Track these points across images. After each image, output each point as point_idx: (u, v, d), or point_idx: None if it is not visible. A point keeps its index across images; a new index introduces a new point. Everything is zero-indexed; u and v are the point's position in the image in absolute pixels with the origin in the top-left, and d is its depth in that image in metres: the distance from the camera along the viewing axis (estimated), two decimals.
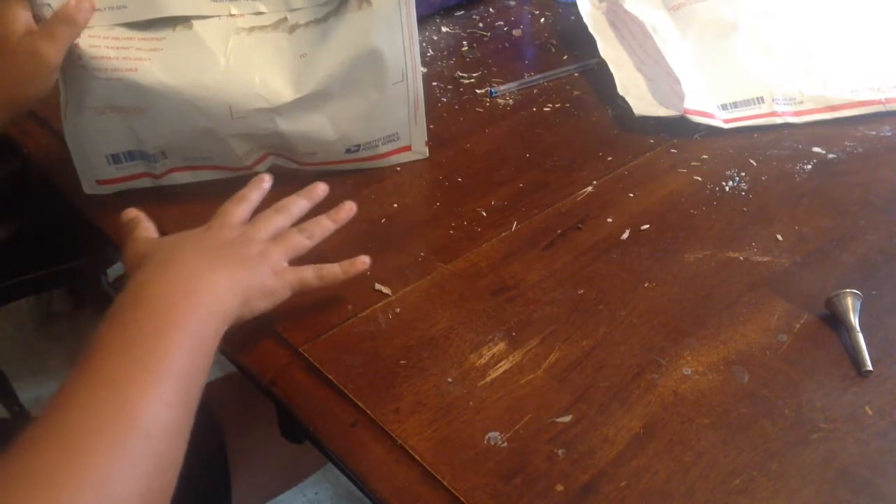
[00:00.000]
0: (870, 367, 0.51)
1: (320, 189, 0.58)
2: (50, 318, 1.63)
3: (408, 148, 0.70)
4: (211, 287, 0.47)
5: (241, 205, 0.55)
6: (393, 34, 0.62)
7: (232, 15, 0.60)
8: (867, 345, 0.52)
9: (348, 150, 0.66)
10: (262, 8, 0.61)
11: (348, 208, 0.57)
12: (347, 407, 0.49)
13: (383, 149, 0.69)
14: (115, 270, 1.44)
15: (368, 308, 0.55)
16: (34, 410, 1.33)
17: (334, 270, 0.54)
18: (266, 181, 0.58)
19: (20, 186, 1.00)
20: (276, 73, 0.60)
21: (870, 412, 0.49)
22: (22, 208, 1.02)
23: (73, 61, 0.56)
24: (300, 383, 0.51)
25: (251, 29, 0.60)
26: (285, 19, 0.61)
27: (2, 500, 0.35)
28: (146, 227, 0.55)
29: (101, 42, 0.57)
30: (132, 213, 0.56)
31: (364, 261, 0.54)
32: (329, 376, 0.50)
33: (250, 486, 0.71)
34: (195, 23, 0.59)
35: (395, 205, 0.66)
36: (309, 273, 0.53)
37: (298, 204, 0.56)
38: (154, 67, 0.57)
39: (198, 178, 0.66)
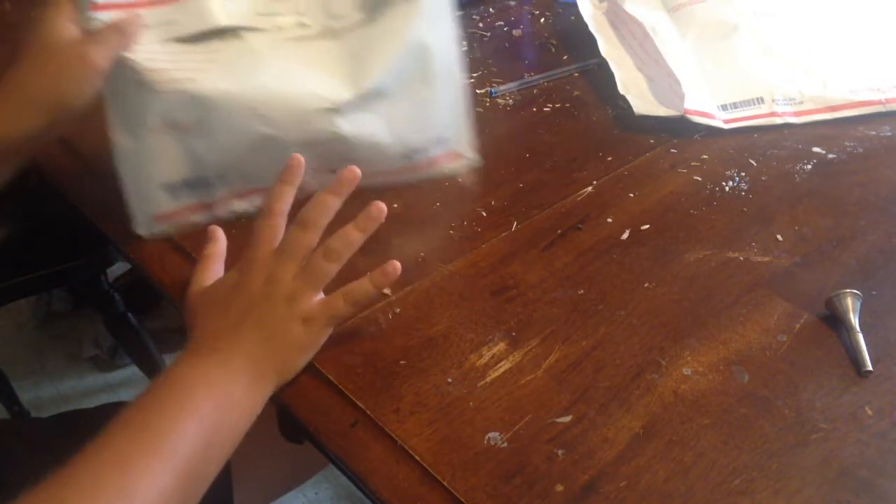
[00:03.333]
0: (870, 367, 0.51)
1: (348, 176, 0.52)
2: (50, 318, 1.63)
3: (458, 154, 0.68)
4: (236, 379, 0.48)
5: (271, 224, 0.52)
6: (437, 27, 0.62)
7: (279, 28, 0.60)
8: (867, 345, 0.52)
9: (404, 156, 0.65)
10: (307, 21, 0.61)
11: (377, 212, 0.51)
12: (347, 407, 0.49)
13: (435, 152, 0.67)
14: (114, 270, 1.44)
15: (368, 308, 0.55)
16: (34, 410, 1.33)
17: (365, 288, 0.51)
18: (296, 168, 0.53)
19: (20, 186, 1.00)
20: (331, 74, 0.60)
21: (870, 412, 0.49)
22: (22, 208, 1.02)
23: (128, 77, 0.55)
24: (300, 383, 0.51)
25: (299, 38, 0.60)
26: (331, 27, 0.61)
27: None
28: (212, 270, 0.55)
29: (157, 56, 0.56)
30: (213, 240, 0.57)
31: (395, 267, 0.50)
32: (329, 376, 0.50)
33: (252, 488, 0.71)
34: (244, 34, 0.58)
35: (395, 205, 0.65)
36: (339, 304, 0.51)
37: (327, 207, 0.51)
38: (212, 76, 0.56)
39: (254, 205, 0.63)
